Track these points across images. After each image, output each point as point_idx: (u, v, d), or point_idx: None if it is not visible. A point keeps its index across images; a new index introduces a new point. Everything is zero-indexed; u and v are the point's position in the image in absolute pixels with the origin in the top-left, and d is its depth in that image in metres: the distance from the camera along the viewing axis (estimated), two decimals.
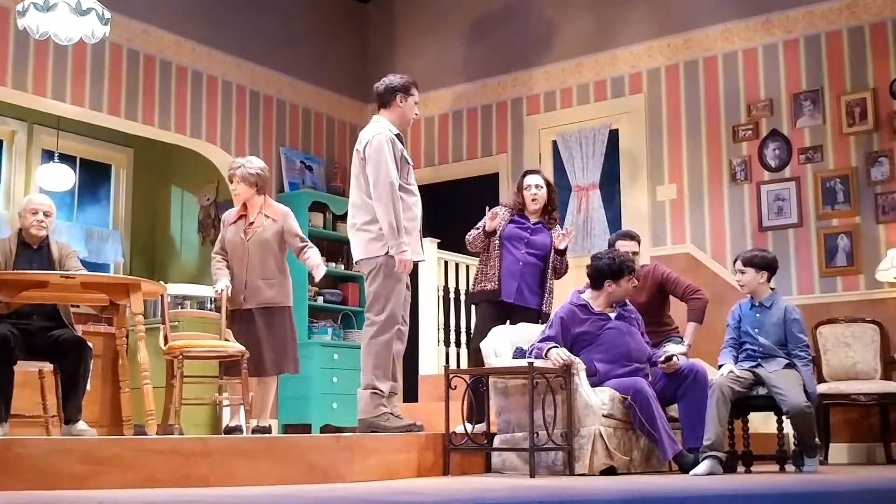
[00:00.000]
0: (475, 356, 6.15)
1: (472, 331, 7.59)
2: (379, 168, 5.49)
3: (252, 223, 6.26)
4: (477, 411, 5.81)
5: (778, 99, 7.94)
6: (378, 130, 5.62)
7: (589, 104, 8.76)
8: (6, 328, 5.29)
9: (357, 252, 5.68)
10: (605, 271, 5.85)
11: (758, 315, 5.87)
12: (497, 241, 6.18)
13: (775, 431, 5.94)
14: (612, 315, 5.90)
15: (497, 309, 6.15)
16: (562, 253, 6.27)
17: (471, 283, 7.83)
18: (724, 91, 8.17)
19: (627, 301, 6.05)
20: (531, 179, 6.31)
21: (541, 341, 5.72)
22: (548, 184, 6.36)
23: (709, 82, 8.24)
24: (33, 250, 5.66)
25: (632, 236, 6.72)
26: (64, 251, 5.79)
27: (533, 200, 6.25)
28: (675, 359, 5.71)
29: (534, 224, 6.28)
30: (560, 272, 6.37)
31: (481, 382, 5.78)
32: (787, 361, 5.71)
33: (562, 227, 6.46)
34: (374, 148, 5.54)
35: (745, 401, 5.72)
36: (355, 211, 5.70)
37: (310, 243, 6.36)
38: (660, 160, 8.36)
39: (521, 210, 6.30)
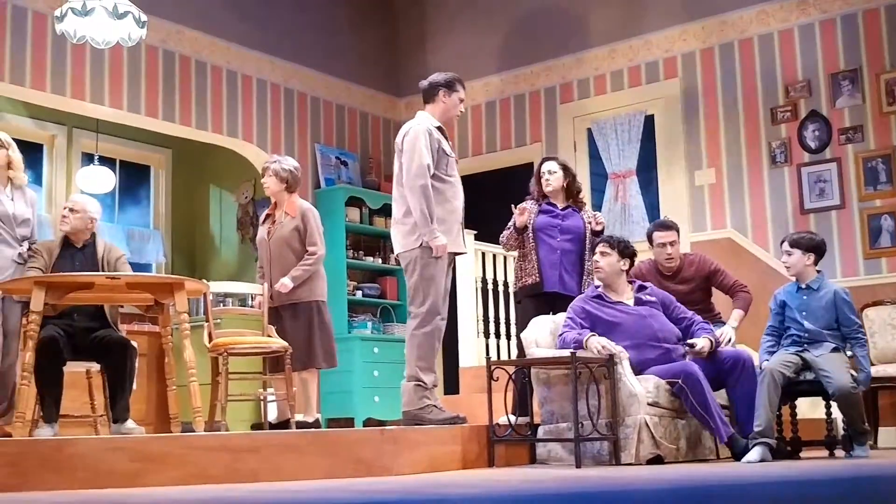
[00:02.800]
0: (521, 352, 6.15)
1: (515, 324, 7.62)
2: (413, 156, 5.58)
3: (275, 221, 6.36)
4: (520, 404, 5.80)
5: (816, 79, 7.85)
6: (417, 122, 5.74)
7: (623, 90, 8.71)
8: (53, 329, 5.35)
9: (396, 246, 5.76)
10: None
11: (804, 298, 5.80)
12: (531, 234, 6.17)
13: (823, 417, 5.89)
14: (630, 302, 5.90)
15: (540, 302, 6.13)
16: (599, 234, 6.23)
17: (510, 276, 7.85)
18: (760, 73, 8.09)
19: (648, 285, 6.07)
20: (545, 166, 6.34)
21: (561, 334, 5.71)
22: (565, 168, 6.34)
23: (745, 64, 8.17)
24: (76, 249, 5.72)
25: (668, 226, 6.65)
26: (113, 253, 5.81)
27: (547, 185, 6.25)
28: (699, 346, 5.68)
29: (563, 209, 6.26)
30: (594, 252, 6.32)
31: (524, 374, 5.78)
32: (834, 346, 5.66)
33: (594, 211, 6.46)
34: (409, 139, 5.64)
35: (793, 386, 5.67)
36: (395, 205, 5.80)
37: (313, 257, 6.25)
38: (697, 145, 8.30)
39: (544, 197, 6.31)
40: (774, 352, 5.79)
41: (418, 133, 5.62)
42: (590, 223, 6.24)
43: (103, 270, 5.61)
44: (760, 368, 5.70)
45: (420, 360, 5.58)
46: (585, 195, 7.11)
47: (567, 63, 9.02)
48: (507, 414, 5.65)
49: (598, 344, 5.49)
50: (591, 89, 8.88)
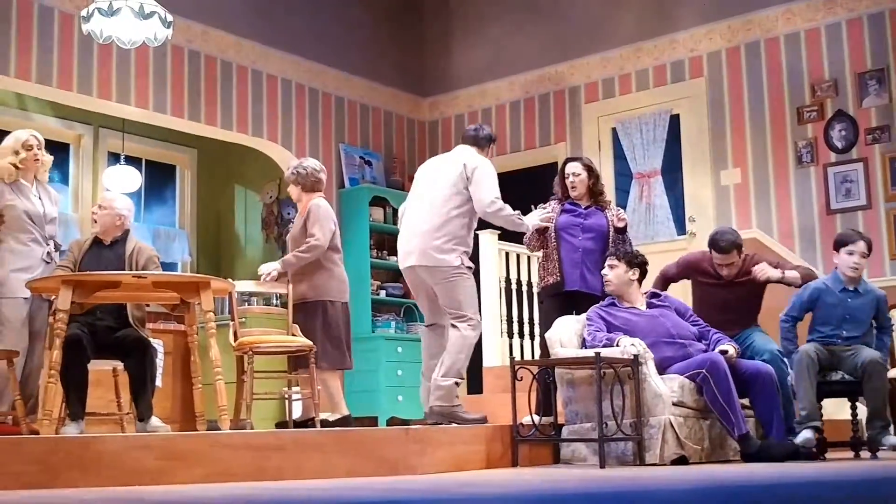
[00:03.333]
0: (544, 352, 6.15)
1: (538, 324, 7.61)
2: (491, 188, 5.97)
3: (293, 222, 6.43)
4: (543, 404, 5.80)
5: (843, 79, 7.80)
6: (483, 159, 6.10)
7: (648, 90, 8.68)
8: (77, 328, 5.38)
9: (424, 258, 5.86)
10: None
11: (849, 301, 5.76)
12: (553, 234, 6.16)
13: (849, 418, 5.85)
14: (642, 307, 5.93)
15: (562, 301, 6.12)
16: (622, 231, 6.21)
17: (533, 276, 7.84)
18: (787, 72, 8.04)
19: (664, 294, 6.14)
20: (570, 168, 6.31)
21: (591, 335, 5.73)
22: (589, 168, 6.30)
23: (771, 64, 8.12)
24: (104, 247, 5.74)
25: (724, 249, 6.13)
26: (143, 253, 5.79)
27: (573, 188, 6.24)
28: (730, 353, 5.67)
29: (585, 208, 6.25)
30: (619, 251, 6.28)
31: (548, 374, 5.77)
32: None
33: (617, 207, 6.43)
34: (483, 171, 5.97)
35: (819, 386, 5.65)
36: (432, 217, 5.91)
37: (306, 244, 6.20)
38: (723, 144, 8.26)
39: (567, 197, 6.30)
40: (792, 338, 5.80)
41: (491, 170, 6.03)
42: (612, 221, 6.22)
43: (129, 269, 5.63)
44: (781, 354, 5.74)
45: (465, 361, 5.85)
46: (610, 195, 7.09)
47: (592, 62, 9.00)
48: (530, 414, 5.65)
49: (630, 344, 5.50)
50: (616, 88, 8.86)
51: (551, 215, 6.19)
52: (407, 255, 6.00)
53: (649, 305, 5.99)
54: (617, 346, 5.54)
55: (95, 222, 5.81)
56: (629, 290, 5.98)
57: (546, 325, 6.07)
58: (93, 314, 5.60)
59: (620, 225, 6.21)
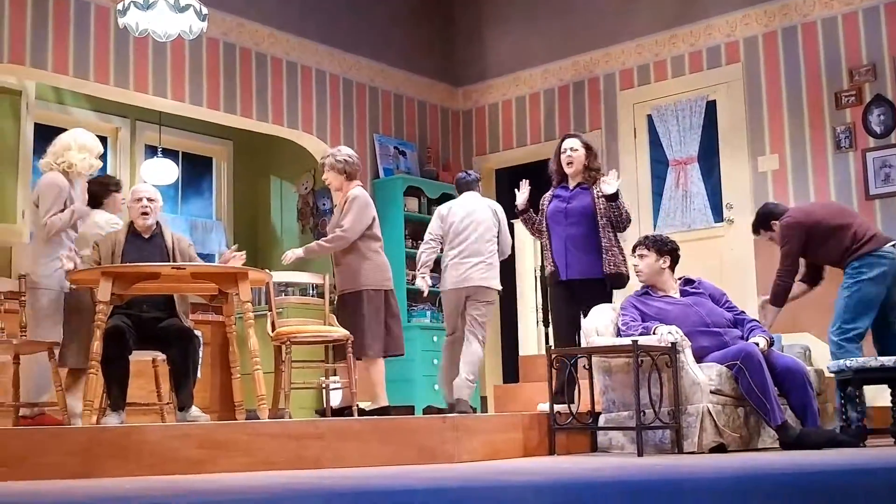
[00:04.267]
0: (555, 338, 6.19)
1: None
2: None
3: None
4: (562, 391, 5.77)
5: (881, 63, 7.69)
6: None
7: (684, 76, 8.61)
8: (119, 319, 5.43)
9: (481, 280, 6.47)
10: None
11: None
12: (545, 223, 6.20)
13: (889, 405, 5.79)
14: (676, 294, 5.89)
15: (563, 289, 6.16)
16: (613, 198, 6.02)
17: None
18: (824, 57, 7.95)
19: (698, 279, 6.09)
20: (568, 143, 6.26)
21: (625, 325, 5.71)
22: (587, 146, 6.24)
23: (808, 48, 8.03)
24: (143, 240, 5.75)
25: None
26: (183, 243, 5.85)
27: (568, 164, 6.17)
28: (762, 346, 5.63)
29: (572, 190, 6.18)
30: (620, 222, 6.13)
31: (568, 363, 5.74)
32: None
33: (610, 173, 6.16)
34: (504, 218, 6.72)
35: (859, 373, 5.61)
36: (485, 245, 6.60)
37: (333, 234, 6.32)
38: (760, 130, 8.19)
39: (561, 177, 6.23)
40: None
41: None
42: (598, 193, 6.06)
43: (174, 259, 5.67)
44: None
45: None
46: (645, 182, 7.07)
47: (627, 49, 8.94)
48: (550, 401, 5.63)
49: (667, 332, 5.47)
50: (652, 75, 8.80)
51: (524, 196, 6.26)
52: (462, 279, 6.49)
53: (683, 293, 5.95)
54: (653, 334, 5.52)
55: (149, 216, 5.74)
56: (661, 279, 5.95)
57: (550, 312, 6.15)
58: (139, 306, 5.64)
59: (610, 190, 5.98)
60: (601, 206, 6.05)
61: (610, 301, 6.14)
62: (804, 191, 7.91)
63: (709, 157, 8.46)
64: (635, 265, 5.98)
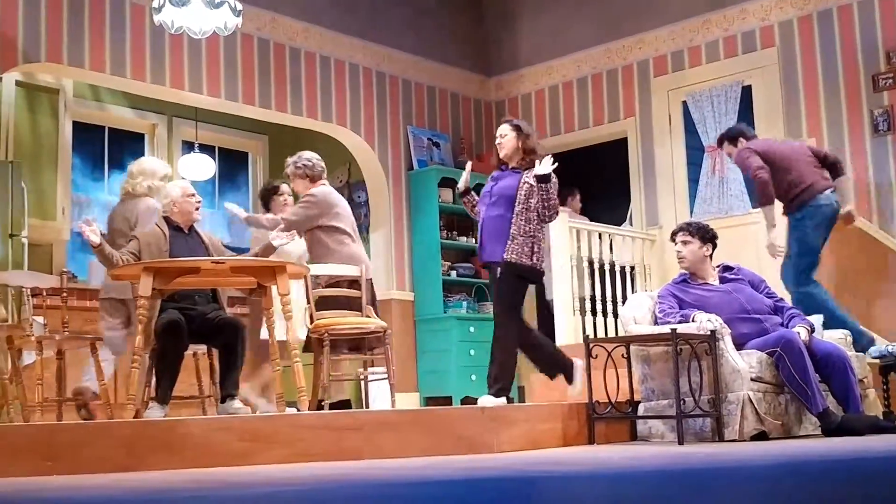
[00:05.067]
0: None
1: (609, 302, 7.60)
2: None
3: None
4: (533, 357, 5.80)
5: None
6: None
7: (719, 61, 8.55)
8: (175, 314, 5.50)
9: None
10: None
11: None
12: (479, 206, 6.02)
13: None
14: (715, 282, 5.86)
15: (490, 276, 5.97)
16: (545, 180, 5.68)
17: (605, 253, 7.81)
18: (861, 39, 7.85)
19: (736, 266, 6.05)
20: (498, 130, 6.05)
21: (662, 313, 5.69)
22: (517, 129, 5.96)
23: (844, 31, 7.94)
24: (185, 234, 5.85)
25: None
26: (214, 238, 6.01)
27: (499, 145, 5.98)
28: (803, 336, 5.59)
29: (505, 171, 5.96)
30: (547, 209, 5.76)
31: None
32: None
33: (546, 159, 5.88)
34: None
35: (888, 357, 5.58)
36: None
37: (273, 219, 6.46)
38: (797, 115, 8.11)
39: (502, 163, 6.02)
40: None
41: None
42: (526, 182, 5.77)
43: (210, 254, 5.75)
44: None
45: None
46: (666, 167, 7.00)
47: (660, 35, 8.89)
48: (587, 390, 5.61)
49: (707, 320, 5.46)
50: (686, 61, 8.75)
51: (465, 177, 6.11)
52: None
53: (722, 280, 5.92)
54: (692, 321, 5.50)
55: (199, 207, 5.92)
56: (703, 267, 5.94)
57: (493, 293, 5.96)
58: (191, 299, 5.72)
59: (542, 171, 5.69)
60: (524, 191, 5.76)
61: (511, 289, 5.79)
62: None
63: None
64: (678, 251, 5.94)
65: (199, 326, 5.63)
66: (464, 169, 6.30)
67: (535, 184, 5.72)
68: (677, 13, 8.78)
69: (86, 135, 9.14)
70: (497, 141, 6.01)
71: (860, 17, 7.87)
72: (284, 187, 6.86)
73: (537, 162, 5.76)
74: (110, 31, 7.40)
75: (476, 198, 6.13)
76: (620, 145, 9.11)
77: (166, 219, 5.87)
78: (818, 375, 5.52)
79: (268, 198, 6.90)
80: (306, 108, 8.55)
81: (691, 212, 8.47)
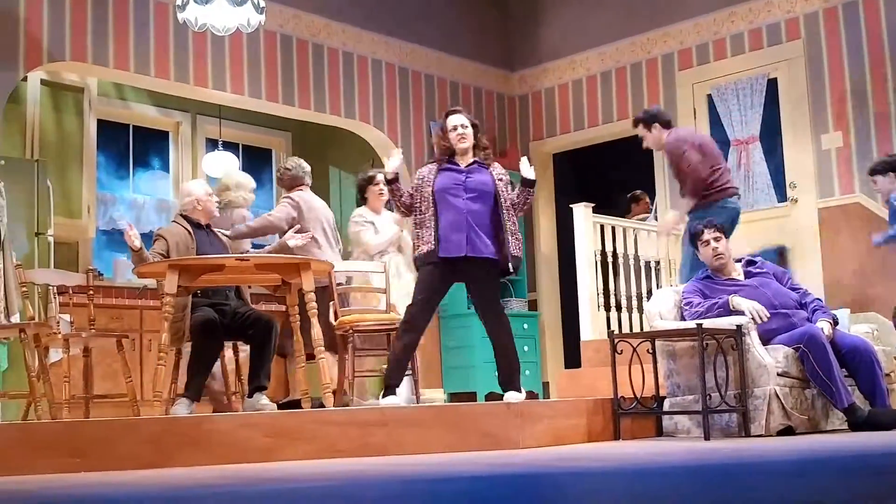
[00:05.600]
0: (406, 314, 5.65)
1: (634, 297, 7.57)
2: None
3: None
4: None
5: None
6: None
7: (744, 54, 8.49)
8: (210, 312, 5.53)
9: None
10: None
11: None
12: (430, 198, 5.59)
13: None
14: (741, 277, 5.82)
15: (441, 271, 5.56)
16: (532, 184, 5.67)
17: (629, 248, 7.77)
18: (887, 31, 7.78)
19: (758, 259, 6.01)
20: (456, 119, 5.74)
21: (690, 306, 5.66)
22: (474, 124, 5.81)
23: (870, 23, 7.87)
24: (206, 232, 5.91)
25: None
26: (223, 236, 6.11)
27: (462, 139, 5.68)
28: (826, 332, 5.55)
29: (467, 167, 5.68)
30: (524, 207, 5.78)
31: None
32: None
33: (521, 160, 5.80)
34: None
35: None
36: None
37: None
38: (823, 107, 8.05)
39: (449, 155, 5.74)
40: None
41: None
42: (500, 178, 5.70)
43: (228, 252, 5.79)
44: None
45: None
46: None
47: (685, 28, 8.84)
48: (613, 386, 5.60)
49: (752, 308, 5.44)
50: (711, 54, 8.69)
51: (396, 163, 5.66)
52: None
53: (747, 275, 5.87)
54: (733, 308, 5.48)
55: (217, 208, 6.03)
56: (730, 262, 5.91)
57: (415, 297, 5.60)
58: (222, 295, 5.76)
59: (531, 175, 5.64)
60: (502, 187, 5.67)
61: (498, 285, 5.85)
62: (869, 167, 7.75)
63: (771, 136, 8.34)
64: (715, 248, 5.86)
65: (230, 322, 5.67)
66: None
67: (507, 181, 5.71)
68: (702, 6, 8.72)
69: (110, 133, 9.19)
70: (458, 132, 5.71)
71: (886, 8, 7.79)
72: (380, 177, 6.79)
73: (497, 165, 5.77)
74: (134, 30, 7.43)
75: (403, 189, 5.72)
76: None
77: (185, 217, 5.90)
78: (844, 370, 5.48)
79: (364, 188, 6.97)
80: (329, 104, 8.56)
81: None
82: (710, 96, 8.66)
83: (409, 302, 5.66)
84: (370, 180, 6.93)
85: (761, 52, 8.39)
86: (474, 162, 5.71)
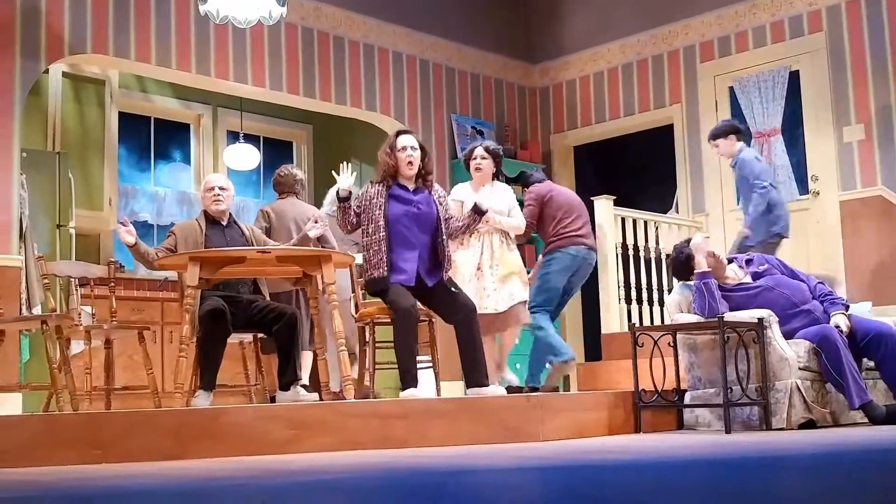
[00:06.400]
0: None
1: (655, 290, 7.56)
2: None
3: None
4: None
5: None
6: None
7: (766, 46, 8.43)
8: (218, 301, 5.54)
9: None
10: (679, 272, 5.99)
11: None
12: (381, 223, 5.48)
13: None
14: (749, 280, 5.77)
15: (400, 287, 5.47)
16: (483, 212, 5.71)
17: (651, 241, 7.74)
18: None
19: (753, 256, 6.00)
20: (406, 140, 5.67)
21: (705, 302, 5.62)
22: (422, 147, 5.75)
23: (893, 15, 7.79)
24: (223, 227, 5.86)
25: None
26: (256, 232, 6.02)
27: (409, 164, 5.60)
28: (844, 328, 5.51)
29: (414, 192, 5.64)
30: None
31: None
32: None
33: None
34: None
35: None
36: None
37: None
38: (845, 100, 7.98)
39: (394, 175, 5.65)
40: None
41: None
42: (441, 202, 5.68)
43: (247, 245, 5.78)
44: None
45: None
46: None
47: (707, 20, 8.79)
48: (634, 379, 5.58)
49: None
50: (733, 46, 8.64)
51: (349, 181, 5.57)
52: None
53: (755, 276, 5.82)
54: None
55: (221, 202, 5.83)
56: (724, 270, 5.89)
57: (399, 304, 5.41)
58: (234, 287, 5.76)
59: (485, 208, 5.71)
60: (443, 213, 5.67)
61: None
62: (891, 161, 7.70)
63: (793, 129, 8.28)
64: (704, 261, 5.83)
65: (245, 311, 5.66)
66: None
67: (447, 204, 5.78)
68: None
69: (132, 125, 9.23)
70: (408, 153, 5.63)
71: None
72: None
73: (438, 188, 5.81)
74: (156, 22, 7.45)
75: (353, 207, 5.61)
76: (666, 132, 9.03)
77: (206, 212, 5.91)
78: (867, 358, 5.44)
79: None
80: (350, 96, 8.56)
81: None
82: (731, 88, 8.61)
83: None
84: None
85: (783, 44, 8.33)
86: (420, 186, 5.69)
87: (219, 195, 5.84)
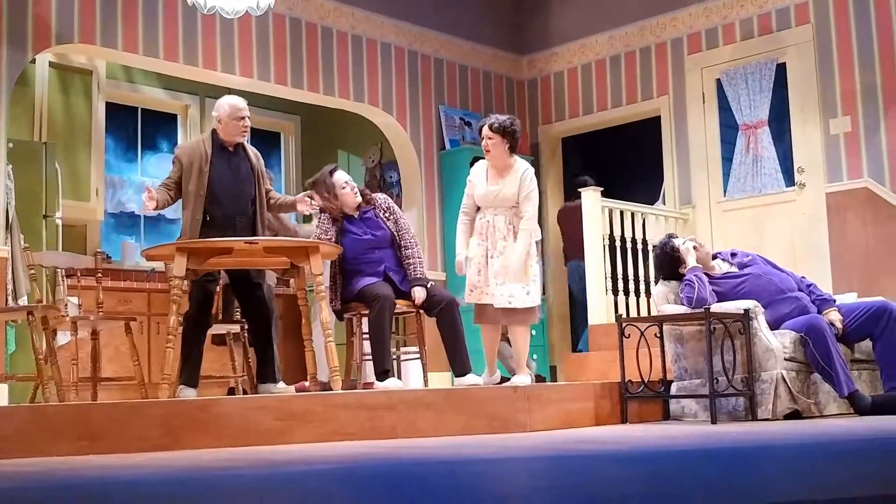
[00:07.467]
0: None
1: (642, 281, 7.59)
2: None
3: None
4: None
5: None
6: None
7: (753, 38, 8.45)
8: (206, 301, 5.53)
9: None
10: (665, 268, 6.05)
11: None
12: (338, 265, 5.82)
13: None
14: (734, 270, 5.84)
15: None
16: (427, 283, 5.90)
17: (637, 232, 7.76)
18: None
19: (738, 251, 6.11)
20: (342, 176, 5.88)
21: (694, 293, 5.65)
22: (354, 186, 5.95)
23: (880, 7, 7.82)
24: (230, 153, 5.67)
25: None
26: (260, 160, 5.83)
27: (353, 194, 5.85)
28: (838, 326, 5.56)
29: (362, 218, 5.89)
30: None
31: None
32: None
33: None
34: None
35: None
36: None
37: None
38: (832, 92, 8.01)
39: (342, 213, 5.86)
40: None
41: None
42: (389, 217, 5.88)
43: (255, 177, 5.70)
44: None
45: None
46: (714, 149, 6.96)
47: (694, 12, 8.81)
48: (621, 370, 5.61)
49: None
50: (720, 38, 8.66)
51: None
52: None
53: (740, 266, 5.91)
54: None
55: (246, 132, 5.69)
56: (710, 261, 5.97)
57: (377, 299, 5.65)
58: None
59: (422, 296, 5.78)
60: (394, 226, 5.89)
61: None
62: (877, 153, 7.74)
63: (779, 121, 8.31)
64: (691, 254, 5.93)
65: (245, 292, 5.69)
66: None
67: (396, 217, 5.94)
68: None
69: (119, 115, 9.20)
70: (345, 190, 5.83)
71: None
72: None
73: (378, 195, 6.03)
74: (143, 12, 7.42)
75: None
76: (654, 124, 9.06)
77: (214, 133, 5.68)
78: (867, 337, 5.50)
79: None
80: (338, 88, 8.55)
81: (725, 191, 8.41)
82: (719, 81, 8.63)
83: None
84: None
85: (770, 36, 8.36)
86: (363, 207, 5.90)
87: (248, 126, 5.69)
